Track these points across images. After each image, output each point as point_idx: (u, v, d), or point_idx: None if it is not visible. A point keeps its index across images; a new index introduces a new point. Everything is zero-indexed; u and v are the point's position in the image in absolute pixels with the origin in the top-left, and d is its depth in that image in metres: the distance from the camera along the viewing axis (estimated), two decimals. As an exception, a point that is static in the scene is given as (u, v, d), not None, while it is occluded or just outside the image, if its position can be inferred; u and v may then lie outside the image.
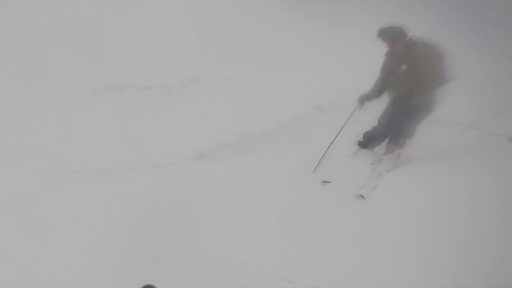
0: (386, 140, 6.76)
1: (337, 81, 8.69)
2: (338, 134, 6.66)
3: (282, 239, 5.31)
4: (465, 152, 6.34)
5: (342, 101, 7.83)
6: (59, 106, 8.10)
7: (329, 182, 6.25)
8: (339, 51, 9.44)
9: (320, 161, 6.55)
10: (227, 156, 7.21)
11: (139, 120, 8.11)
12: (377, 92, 6.52)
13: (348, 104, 6.83)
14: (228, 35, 9.66)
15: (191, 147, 7.48)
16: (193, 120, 8.18)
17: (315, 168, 6.52)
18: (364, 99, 6.59)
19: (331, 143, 6.64)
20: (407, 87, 6.10)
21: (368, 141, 6.92)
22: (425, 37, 6.03)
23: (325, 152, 6.61)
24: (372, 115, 6.81)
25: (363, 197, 5.83)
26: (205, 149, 7.49)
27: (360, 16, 9.98)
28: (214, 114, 8.27)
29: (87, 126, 7.83)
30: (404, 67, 6.07)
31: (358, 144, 6.97)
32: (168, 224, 5.62)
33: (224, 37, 9.63)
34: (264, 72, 9.13)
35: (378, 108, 6.69)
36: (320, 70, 9.14)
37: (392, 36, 6.14)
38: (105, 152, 7.27)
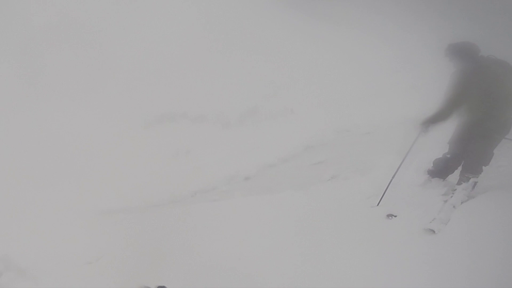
0: (460, 168, 6.23)
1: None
2: (402, 162, 6.29)
3: (343, 276, 4.94)
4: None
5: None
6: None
7: (395, 216, 5.93)
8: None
9: (384, 192, 6.19)
10: (284, 187, 6.96)
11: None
12: (444, 115, 6.02)
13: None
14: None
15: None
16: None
17: (380, 201, 6.15)
18: (429, 122, 6.11)
19: (396, 172, 6.27)
20: (481, 109, 5.72)
21: (439, 170, 6.47)
22: (493, 56, 5.64)
23: (390, 183, 6.24)
24: (441, 140, 6.35)
25: (433, 231, 5.44)
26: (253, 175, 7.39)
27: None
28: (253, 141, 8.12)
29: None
30: (477, 88, 5.65)
31: (428, 173, 6.55)
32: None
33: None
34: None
35: (447, 131, 6.22)
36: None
37: (463, 54, 5.74)
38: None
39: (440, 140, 6.44)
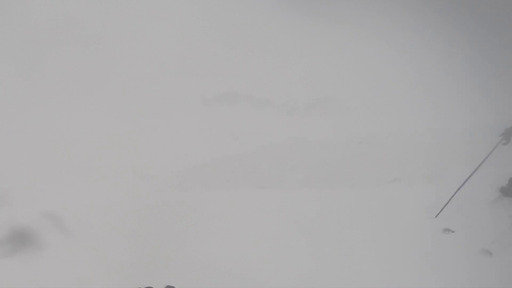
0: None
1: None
2: (471, 174, 6.07)
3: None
4: None
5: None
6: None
7: (453, 232, 5.83)
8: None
9: (446, 205, 6.04)
10: (340, 185, 6.99)
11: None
12: None
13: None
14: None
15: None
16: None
17: (439, 213, 6.01)
18: (511, 134, 5.87)
19: (462, 185, 6.08)
20: None
21: (515, 189, 6.18)
22: None
23: (454, 195, 6.05)
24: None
25: (491, 254, 5.24)
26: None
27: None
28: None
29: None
30: None
31: (501, 191, 6.30)
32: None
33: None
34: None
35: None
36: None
37: None
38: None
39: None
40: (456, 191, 6.10)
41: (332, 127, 8.16)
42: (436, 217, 6.05)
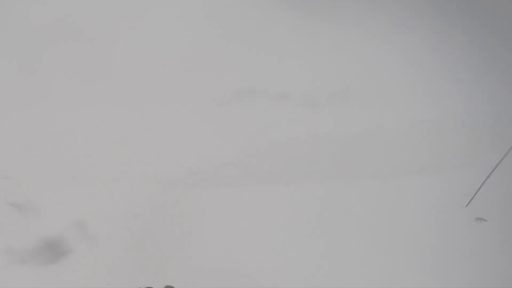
0: None
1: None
2: (501, 160, 5.97)
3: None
4: None
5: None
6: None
7: (485, 220, 5.75)
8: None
9: (476, 192, 5.96)
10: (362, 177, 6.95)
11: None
12: None
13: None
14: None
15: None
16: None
17: (469, 202, 5.94)
18: None
19: (492, 171, 6.00)
20: None
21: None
22: None
23: (484, 182, 5.97)
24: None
25: (526, 241, 5.17)
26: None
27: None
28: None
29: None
30: None
31: (534, 175, 6.17)
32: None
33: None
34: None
35: None
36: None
37: None
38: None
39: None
40: (486, 178, 6.02)
41: (352, 118, 8.10)
42: (466, 206, 5.99)
